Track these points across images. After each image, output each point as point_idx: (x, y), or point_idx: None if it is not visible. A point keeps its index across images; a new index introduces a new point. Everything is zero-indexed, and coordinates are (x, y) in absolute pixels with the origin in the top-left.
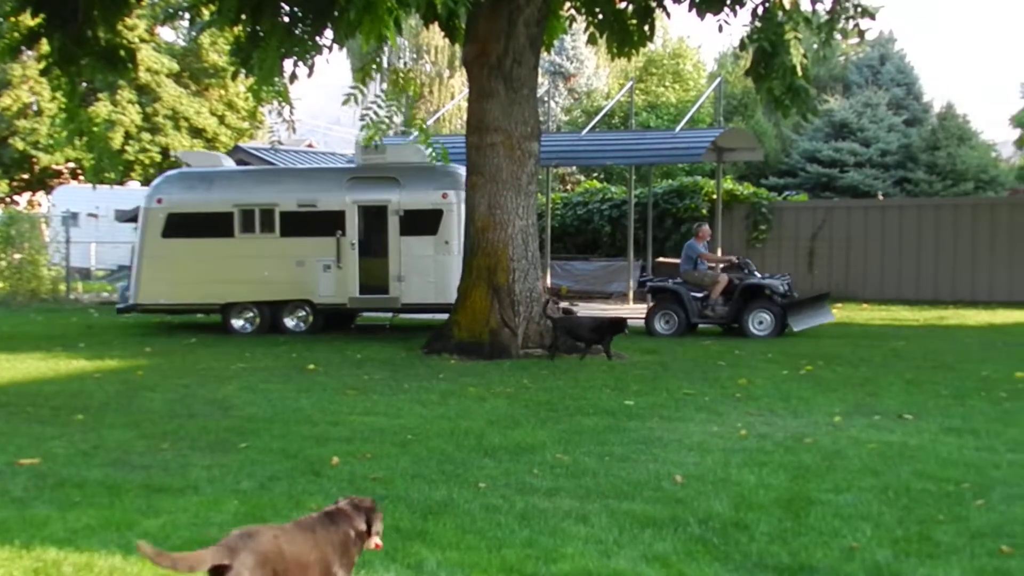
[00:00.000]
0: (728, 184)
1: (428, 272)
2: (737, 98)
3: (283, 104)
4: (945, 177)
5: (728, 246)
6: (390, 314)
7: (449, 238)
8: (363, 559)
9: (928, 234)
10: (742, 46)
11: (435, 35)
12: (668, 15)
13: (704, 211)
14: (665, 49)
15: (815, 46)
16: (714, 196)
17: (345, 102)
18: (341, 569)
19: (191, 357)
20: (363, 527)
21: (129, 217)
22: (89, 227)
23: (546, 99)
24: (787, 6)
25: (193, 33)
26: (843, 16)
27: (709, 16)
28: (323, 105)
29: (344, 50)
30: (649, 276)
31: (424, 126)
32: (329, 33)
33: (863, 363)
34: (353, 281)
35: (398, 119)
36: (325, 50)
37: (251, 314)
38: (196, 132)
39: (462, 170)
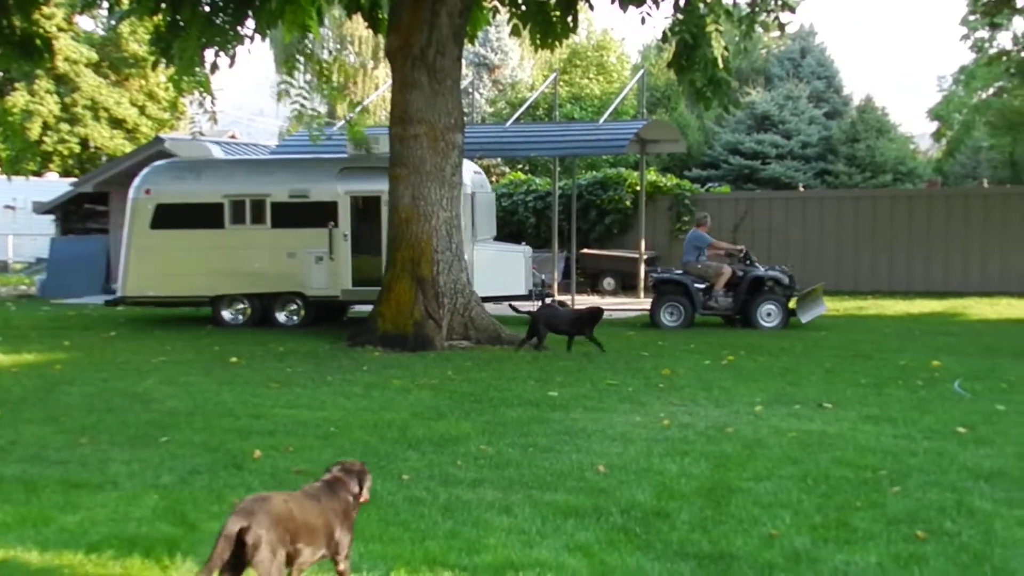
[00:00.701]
0: (651, 176)
1: None
2: (660, 90)
3: (204, 94)
4: (864, 169)
5: (651, 238)
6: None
7: None
8: None
9: (847, 225)
10: (664, 38)
11: (359, 25)
12: (591, 7)
13: (628, 203)
14: (589, 41)
15: (736, 39)
16: (638, 188)
17: (280, 97)
18: (344, 534)
19: (110, 351)
20: (357, 490)
21: (47, 209)
22: (6, 219)
23: (470, 90)
24: None
25: (112, 22)
26: (764, 9)
27: (632, 8)
28: (247, 96)
29: (267, 40)
30: (656, 268)
31: (348, 117)
32: (251, 23)
33: (784, 353)
34: (346, 273)
35: (322, 110)
36: (247, 40)
37: (242, 306)
38: (116, 123)
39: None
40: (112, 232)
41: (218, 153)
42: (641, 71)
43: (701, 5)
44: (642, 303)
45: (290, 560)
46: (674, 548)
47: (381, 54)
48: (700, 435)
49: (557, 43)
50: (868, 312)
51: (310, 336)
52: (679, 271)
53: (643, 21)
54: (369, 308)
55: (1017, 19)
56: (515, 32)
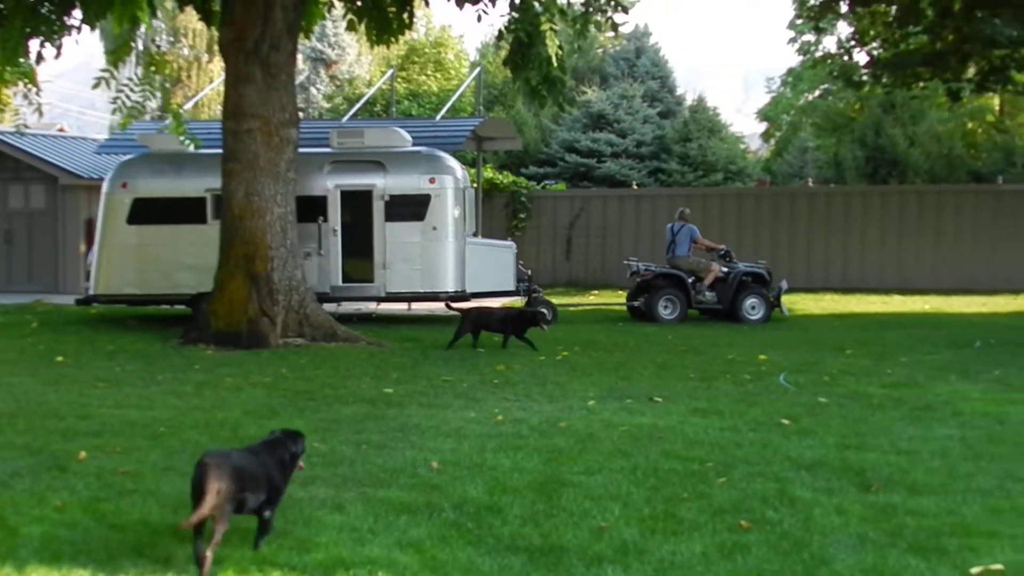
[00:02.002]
0: (488, 173)
1: (415, 259)
2: (498, 88)
3: (30, 86)
4: (697, 168)
5: (488, 234)
6: (373, 304)
7: (437, 224)
8: (109, 555)
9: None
10: (500, 36)
11: (192, 18)
12: (427, 4)
13: None
14: (428, 38)
15: (571, 38)
16: (474, 185)
17: (95, 86)
18: (281, 483)
19: None
20: (295, 449)
21: None
22: None
23: (307, 86)
24: None
25: None
26: (597, 9)
27: (468, 6)
28: (77, 88)
29: (97, 31)
30: (638, 264)
31: (179, 111)
32: (78, 13)
33: (617, 348)
34: (336, 269)
35: (154, 103)
36: (74, 31)
37: None
38: None
39: (449, 156)
40: None
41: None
42: (478, 68)
43: (536, 4)
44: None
45: (239, 508)
46: (505, 542)
47: (216, 47)
48: (533, 430)
49: (393, 39)
50: None
51: (142, 334)
52: (654, 265)
53: (479, 19)
54: (358, 305)
55: (841, 24)
56: (351, 27)
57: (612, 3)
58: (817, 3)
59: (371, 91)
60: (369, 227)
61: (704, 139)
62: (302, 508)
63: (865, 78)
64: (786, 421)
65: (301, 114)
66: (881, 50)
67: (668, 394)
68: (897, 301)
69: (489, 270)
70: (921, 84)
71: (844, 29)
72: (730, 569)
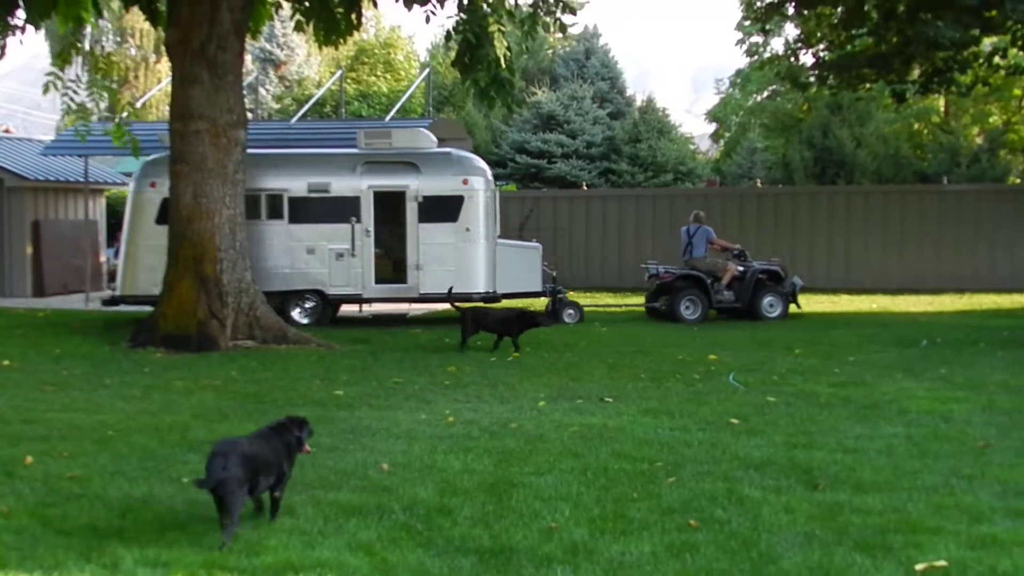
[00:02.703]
0: None
1: (447, 260)
2: (448, 89)
3: None
4: (647, 168)
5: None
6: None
7: (470, 225)
8: (56, 561)
9: (628, 223)
10: (448, 37)
11: (139, 18)
12: (375, 5)
13: None
14: (378, 39)
15: (519, 39)
16: None
17: (45, 91)
18: (288, 467)
19: None
20: (300, 434)
21: None
22: None
23: (256, 86)
24: None
25: None
26: (546, 11)
27: (417, 7)
28: (23, 89)
29: (42, 32)
30: (657, 267)
31: (122, 116)
32: (21, 14)
33: (568, 349)
34: (368, 270)
35: (103, 104)
36: (18, 31)
37: None
38: None
39: (478, 158)
40: None
41: None
42: (427, 69)
43: (484, 5)
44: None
45: (251, 491)
46: (455, 544)
47: (163, 48)
48: (484, 431)
49: (342, 40)
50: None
51: (89, 338)
52: (673, 267)
53: (428, 20)
54: (395, 308)
55: (789, 26)
56: (299, 28)
57: (560, 4)
58: (763, 5)
59: (320, 92)
60: (402, 228)
61: (654, 140)
62: (251, 511)
63: (811, 80)
64: (735, 421)
65: (250, 115)
66: (827, 52)
67: (618, 394)
68: (845, 300)
69: (517, 271)
70: (866, 85)
71: (791, 31)
72: (679, 568)
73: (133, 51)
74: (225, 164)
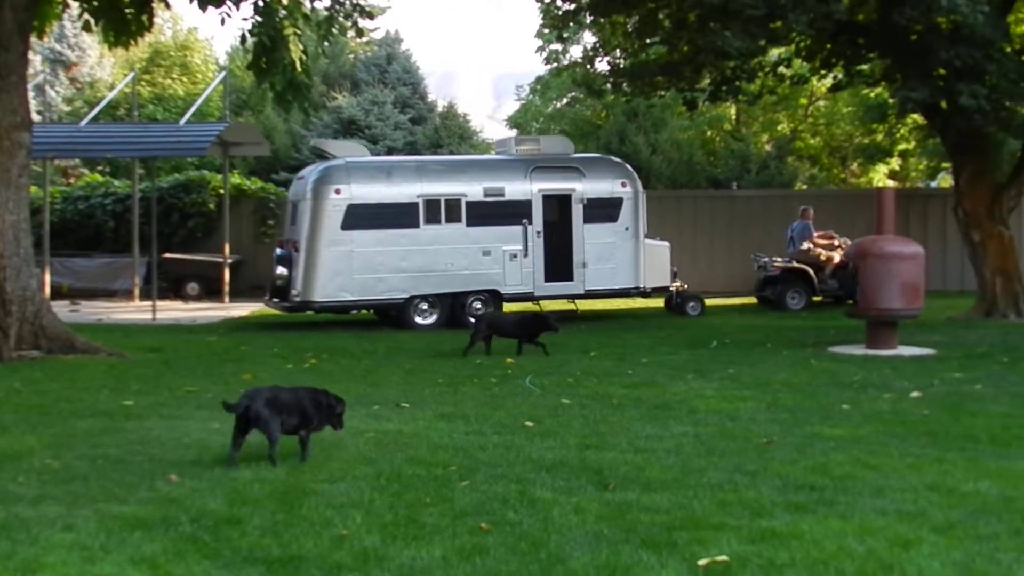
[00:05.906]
0: (236, 179)
1: (609, 258)
2: (247, 92)
3: None
4: None
5: (236, 240)
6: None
7: (628, 224)
8: None
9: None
10: (243, 40)
11: None
12: (168, 6)
13: (212, 205)
14: (176, 41)
15: (318, 42)
16: (222, 191)
17: None
18: (315, 416)
19: None
20: (334, 404)
21: None
22: None
23: (45, 88)
24: (286, 2)
25: None
26: (345, 14)
27: (212, 9)
28: None
29: None
30: (765, 257)
31: None
32: None
33: (367, 355)
34: (539, 269)
35: None
36: None
37: (425, 307)
38: None
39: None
40: None
41: (366, 153)
42: (223, 72)
43: (280, 8)
44: (228, 307)
45: (282, 426)
46: (243, 554)
47: None
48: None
49: (133, 41)
50: None
51: None
52: (781, 259)
53: (223, 22)
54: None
55: (587, 33)
56: (87, 28)
57: (357, 8)
58: (560, 13)
59: (112, 94)
60: (568, 228)
61: (455, 145)
62: (30, 528)
63: (607, 87)
64: (530, 423)
65: (38, 117)
66: (622, 60)
67: (415, 400)
68: (639, 302)
69: (656, 266)
70: (660, 93)
71: (589, 39)
72: (469, 571)
73: None
74: (8, 168)
